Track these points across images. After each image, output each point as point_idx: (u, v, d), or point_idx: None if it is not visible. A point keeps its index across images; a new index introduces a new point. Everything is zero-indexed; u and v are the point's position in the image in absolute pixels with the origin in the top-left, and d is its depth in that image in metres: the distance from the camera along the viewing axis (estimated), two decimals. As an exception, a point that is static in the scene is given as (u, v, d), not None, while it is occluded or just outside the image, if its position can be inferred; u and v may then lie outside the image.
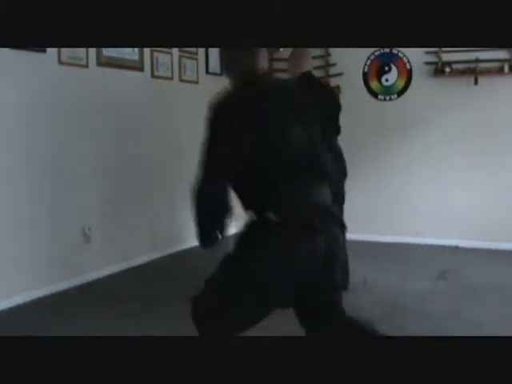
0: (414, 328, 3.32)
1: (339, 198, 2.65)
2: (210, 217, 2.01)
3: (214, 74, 5.82)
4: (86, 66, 4.30)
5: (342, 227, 2.19)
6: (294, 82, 2.11)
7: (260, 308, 2.05)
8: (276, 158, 1.97)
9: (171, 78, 5.27)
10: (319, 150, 2.10)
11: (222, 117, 1.96)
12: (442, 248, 5.39)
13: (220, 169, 1.97)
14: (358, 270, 4.62)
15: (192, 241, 5.94)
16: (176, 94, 5.33)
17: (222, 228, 2.03)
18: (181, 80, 5.42)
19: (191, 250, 5.36)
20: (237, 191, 2.05)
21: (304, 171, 2.01)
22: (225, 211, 1.99)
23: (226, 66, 2.21)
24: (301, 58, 4.53)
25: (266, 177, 1.97)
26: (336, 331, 2.11)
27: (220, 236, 2.04)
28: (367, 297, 3.94)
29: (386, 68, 5.66)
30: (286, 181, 1.97)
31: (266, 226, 1.96)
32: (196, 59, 5.60)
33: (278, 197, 1.97)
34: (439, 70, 5.39)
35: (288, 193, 1.98)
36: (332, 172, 2.13)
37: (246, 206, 2.05)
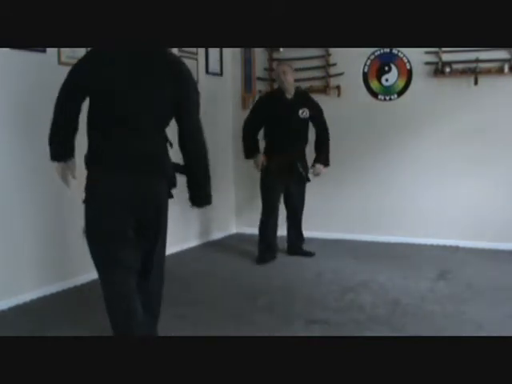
0: (414, 328, 3.32)
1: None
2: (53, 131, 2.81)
3: (214, 74, 5.82)
4: (86, 65, 4.29)
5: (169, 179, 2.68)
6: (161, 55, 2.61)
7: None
8: (101, 109, 2.53)
9: (171, 78, 5.26)
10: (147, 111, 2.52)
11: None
12: (442, 248, 5.39)
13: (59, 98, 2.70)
14: (358, 270, 4.63)
15: (192, 241, 5.90)
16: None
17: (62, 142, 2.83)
18: (181, 80, 5.41)
19: (190, 250, 5.36)
20: None
21: (125, 126, 2.50)
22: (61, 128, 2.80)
23: None
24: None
25: (94, 124, 2.59)
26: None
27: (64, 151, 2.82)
28: (367, 297, 3.94)
29: (386, 68, 5.65)
30: (107, 131, 2.54)
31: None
32: (196, 59, 5.59)
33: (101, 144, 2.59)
34: (439, 70, 5.39)
35: (104, 141, 2.57)
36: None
37: None
